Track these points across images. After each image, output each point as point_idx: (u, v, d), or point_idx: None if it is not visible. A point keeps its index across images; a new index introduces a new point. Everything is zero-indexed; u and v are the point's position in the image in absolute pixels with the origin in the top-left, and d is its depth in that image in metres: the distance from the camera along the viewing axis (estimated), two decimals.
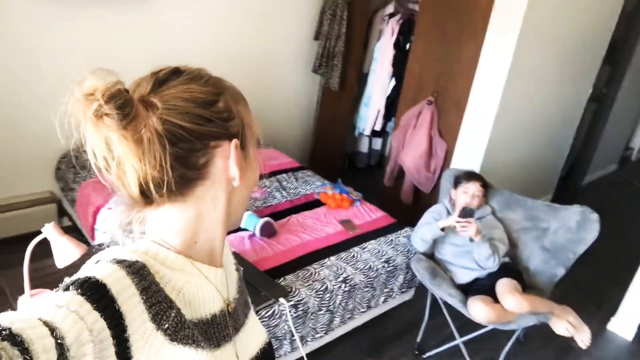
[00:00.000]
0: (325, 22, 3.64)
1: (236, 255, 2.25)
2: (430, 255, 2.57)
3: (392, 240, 2.59)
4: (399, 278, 2.50)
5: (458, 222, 2.27)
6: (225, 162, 0.68)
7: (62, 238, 1.58)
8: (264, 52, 3.66)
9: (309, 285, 2.16)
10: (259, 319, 1.94)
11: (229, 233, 2.52)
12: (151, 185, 0.63)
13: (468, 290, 2.38)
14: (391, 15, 3.82)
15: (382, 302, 2.50)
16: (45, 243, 1.49)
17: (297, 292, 2.10)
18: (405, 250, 2.54)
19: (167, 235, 0.69)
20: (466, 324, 2.38)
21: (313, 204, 2.85)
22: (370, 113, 3.99)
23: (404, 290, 2.60)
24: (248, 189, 0.75)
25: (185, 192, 0.66)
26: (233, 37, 3.43)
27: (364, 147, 4.45)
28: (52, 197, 2.99)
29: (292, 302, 2.04)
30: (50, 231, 1.56)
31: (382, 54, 3.84)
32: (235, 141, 0.68)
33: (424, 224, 2.53)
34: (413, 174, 3.44)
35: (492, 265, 2.34)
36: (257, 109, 3.97)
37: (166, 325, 0.62)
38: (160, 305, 0.62)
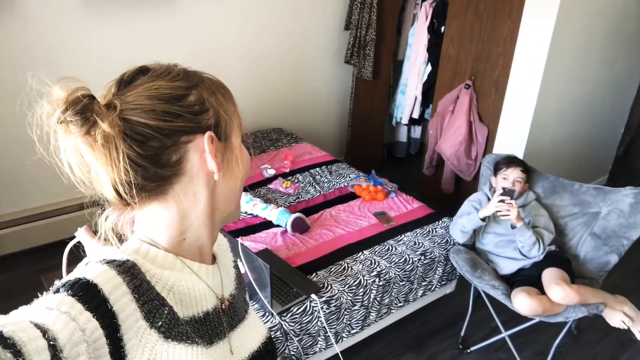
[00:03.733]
0: (355, 11, 3.56)
1: (267, 252, 2.24)
2: (471, 246, 2.45)
3: (429, 231, 2.50)
4: (437, 271, 2.40)
5: (498, 206, 2.16)
6: (201, 156, 0.65)
7: (93, 241, 1.63)
8: (295, 46, 3.62)
9: (342, 280, 2.11)
10: (291, 315, 1.92)
11: (255, 230, 2.47)
12: (120, 188, 0.62)
13: (512, 281, 2.26)
14: None
15: (421, 295, 2.41)
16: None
17: (329, 287, 2.06)
18: (444, 241, 2.44)
19: (155, 234, 0.69)
20: (513, 317, 2.26)
21: (347, 197, 2.78)
22: (406, 101, 3.88)
23: (444, 283, 2.50)
24: (236, 181, 0.72)
25: (163, 190, 0.65)
26: (263, 33, 3.42)
27: (402, 136, 4.33)
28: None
29: (324, 298, 2.00)
30: (82, 235, 1.61)
31: (417, 39, 3.71)
32: (209, 134, 0.65)
33: (463, 214, 2.41)
34: (453, 162, 3.31)
35: (537, 253, 2.21)
36: (291, 103, 3.92)
37: (159, 323, 0.61)
38: (152, 303, 0.61)
